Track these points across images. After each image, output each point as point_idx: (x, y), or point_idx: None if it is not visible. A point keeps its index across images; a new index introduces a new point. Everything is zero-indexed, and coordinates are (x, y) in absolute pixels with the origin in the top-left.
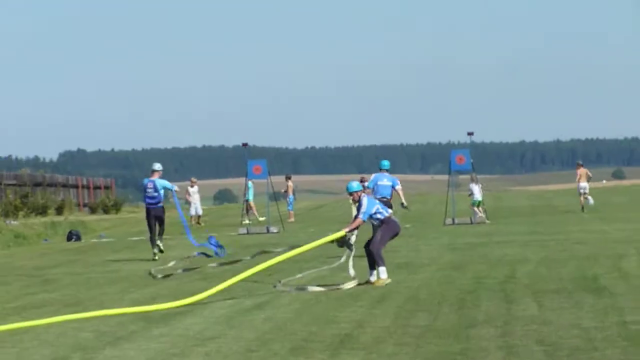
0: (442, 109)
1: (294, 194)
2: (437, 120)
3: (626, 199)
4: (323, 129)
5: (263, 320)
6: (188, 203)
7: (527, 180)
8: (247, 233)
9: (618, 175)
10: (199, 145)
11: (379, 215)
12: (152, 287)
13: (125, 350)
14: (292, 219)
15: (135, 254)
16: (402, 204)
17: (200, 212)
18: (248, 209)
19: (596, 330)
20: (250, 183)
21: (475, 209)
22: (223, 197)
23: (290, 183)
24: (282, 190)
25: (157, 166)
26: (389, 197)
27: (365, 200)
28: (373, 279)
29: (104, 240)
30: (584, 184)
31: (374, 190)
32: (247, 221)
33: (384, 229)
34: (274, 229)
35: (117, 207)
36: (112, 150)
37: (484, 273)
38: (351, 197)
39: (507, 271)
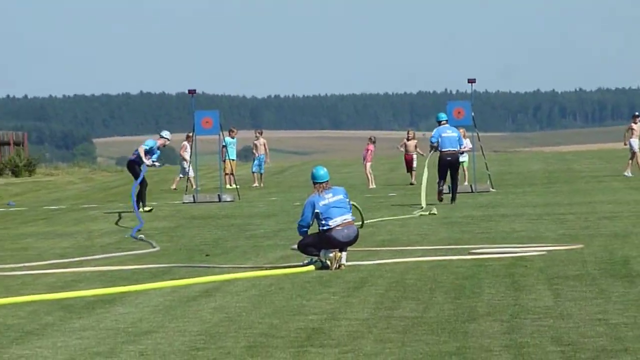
0: (437, 51)
1: (265, 153)
2: (431, 65)
3: None
4: (288, 74)
5: (212, 310)
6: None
7: (542, 138)
8: (194, 201)
9: None
10: (135, 91)
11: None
12: (72, 268)
13: (36, 349)
14: (258, 184)
15: (52, 227)
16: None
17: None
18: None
19: (626, 327)
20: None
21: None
22: (164, 156)
23: (262, 140)
24: (253, 149)
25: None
26: (456, 149)
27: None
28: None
29: (13, 209)
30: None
31: (439, 145)
32: (233, 185)
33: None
34: (227, 197)
35: (30, 168)
36: (25, 97)
37: (487, 256)
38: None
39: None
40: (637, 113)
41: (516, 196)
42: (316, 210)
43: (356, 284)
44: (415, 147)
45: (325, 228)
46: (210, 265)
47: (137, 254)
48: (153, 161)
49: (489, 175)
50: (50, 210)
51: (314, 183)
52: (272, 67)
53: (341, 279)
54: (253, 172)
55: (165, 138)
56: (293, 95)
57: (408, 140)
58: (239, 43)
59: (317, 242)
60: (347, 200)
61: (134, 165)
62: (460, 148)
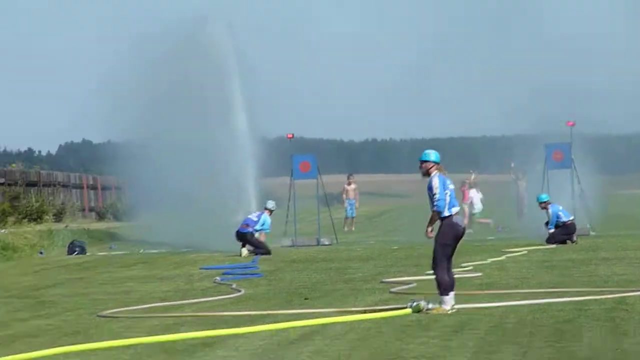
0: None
1: (356, 198)
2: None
3: None
4: (385, 117)
5: (311, 354)
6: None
7: None
8: (293, 245)
9: None
10: None
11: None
12: (171, 312)
13: None
14: (349, 228)
15: (152, 271)
16: None
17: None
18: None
19: None
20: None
21: (481, 220)
22: (265, 200)
23: (353, 185)
24: (343, 193)
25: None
26: None
27: (436, 179)
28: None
29: (114, 253)
30: None
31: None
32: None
33: (438, 236)
34: (325, 241)
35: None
36: (127, 142)
37: (587, 297)
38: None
39: (616, 295)
40: None
41: (617, 239)
42: (446, 191)
43: (455, 328)
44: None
45: (446, 214)
46: (309, 310)
47: (236, 297)
48: (266, 232)
49: (589, 218)
50: (150, 255)
51: (435, 163)
52: (368, 111)
53: (440, 322)
54: (347, 217)
55: (270, 210)
56: (390, 138)
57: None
58: (335, 87)
59: (440, 238)
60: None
61: (245, 236)
62: None
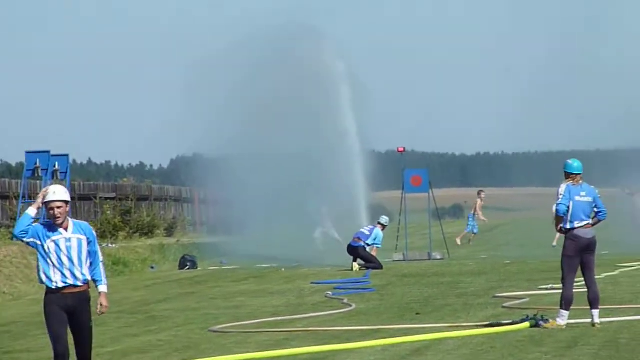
0: None
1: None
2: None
3: None
4: (497, 130)
5: None
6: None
7: None
8: (404, 260)
9: None
10: None
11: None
12: (282, 327)
13: None
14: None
15: (263, 285)
16: None
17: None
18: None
19: None
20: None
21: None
22: (376, 214)
23: (478, 200)
24: (473, 210)
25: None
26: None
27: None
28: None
29: (226, 267)
30: None
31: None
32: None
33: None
34: (437, 255)
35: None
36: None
37: None
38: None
39: None
40: None
41: None
42: (560, 214)
43: (569, 343)
44: None
45: (568, 227)
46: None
47: (347, 312)
48: (378, 247)
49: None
50: (261, 270)
51: (569, 174)
52: (480, 124)
53: (553, 337)
54: (475, 233)
55: (383, 225)
56: (502, 152)
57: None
58: (445, 99)
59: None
60: (594, 205)
61: (357, 250)
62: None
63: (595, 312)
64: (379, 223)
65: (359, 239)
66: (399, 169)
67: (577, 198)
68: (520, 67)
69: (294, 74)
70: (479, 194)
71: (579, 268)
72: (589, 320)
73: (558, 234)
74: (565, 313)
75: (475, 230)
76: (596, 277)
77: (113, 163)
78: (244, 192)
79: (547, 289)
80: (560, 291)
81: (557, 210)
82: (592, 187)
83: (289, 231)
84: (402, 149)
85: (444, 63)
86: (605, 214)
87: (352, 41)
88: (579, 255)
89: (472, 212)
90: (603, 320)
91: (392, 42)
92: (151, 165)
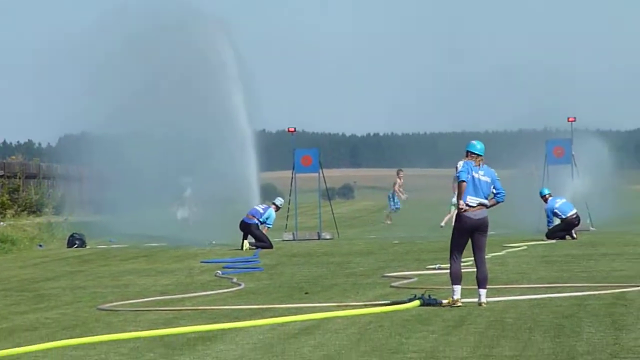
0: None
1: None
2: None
3: None
4: (388, 112)
5: (311, 348)
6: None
7: None
8: (294, 239)
9: None
10: None
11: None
12: (171, 305)
13: None
14: (390, 221)
15: (152, 264)
16: None
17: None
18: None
19: None
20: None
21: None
22: (267, 194)
23: (400, 180)
24: (392, 189)
25: (280, 202)
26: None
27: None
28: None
29: (114, 246)
30: None
31: None
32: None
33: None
34: (327, 235)
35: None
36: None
37: (587, 293)
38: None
39: (615, 291)
40: None
41: (617, 235)
42: (463, 179)
43: (455, 323)
44: None
45: (465, 202)
46: (309, 304)
47: (237, 291)
48: (268, 227)
49: (589, 214)
50: (150, 249)
51: (471, 152)
52: (371, 105)
53: (440, 317)
54: (394, 210)
55: (278, 206)
56: (392, 133)
57: None
58: (338, 81)
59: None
60: (492, 186)
61: (249, 227)
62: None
63: (483, 291)
64: (274, 204)
65: (253, 216)
66: (290, 149)
67: (475, 175)
68: (409, 53)
69: (177, 53)
70: (397, 173)
71: (470, 247)
72: (476, 300)
73: (447, 216)
74: (457, 287)
75: (398, 206)
76: None
77: (1, 141)
78: (123, 171)
79: (434, 269)
80: (448, 270)
81: (458, 176)
82: (492, 169)
83: (157, 211)
84: (292, 130)
85: (336, 44)
86: (504, 195)
87: (240, 20)
88: (466, 235)
89: (392, 191)
90: (490, 299)
91: (281, 22)
92: (39, 144)
